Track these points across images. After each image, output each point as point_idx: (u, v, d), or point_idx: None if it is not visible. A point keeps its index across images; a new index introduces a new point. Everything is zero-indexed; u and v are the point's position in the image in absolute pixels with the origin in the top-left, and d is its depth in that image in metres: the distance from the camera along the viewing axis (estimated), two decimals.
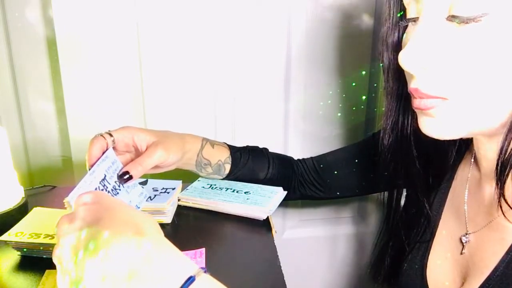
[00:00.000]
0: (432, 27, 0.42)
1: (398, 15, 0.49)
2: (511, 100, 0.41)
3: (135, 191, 0.61)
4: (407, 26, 0.47)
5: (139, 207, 0.60)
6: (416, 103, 0.45)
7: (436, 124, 0.45)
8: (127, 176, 0.57)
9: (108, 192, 0.55)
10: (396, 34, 0.50)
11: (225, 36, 0.90)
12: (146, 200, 0.64)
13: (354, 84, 0.99)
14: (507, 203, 0.45)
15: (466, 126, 0.44)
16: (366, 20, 0.95)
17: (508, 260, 0.47)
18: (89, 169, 0.54)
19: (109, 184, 0.55)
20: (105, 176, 0.55)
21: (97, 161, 0.55)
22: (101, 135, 0.60)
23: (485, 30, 0.39)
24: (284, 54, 0.94)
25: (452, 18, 0.40)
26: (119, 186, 0.57)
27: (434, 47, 0.42)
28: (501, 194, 0.45)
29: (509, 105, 0.41)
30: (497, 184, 0.46)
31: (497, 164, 0.45)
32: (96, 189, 0.52)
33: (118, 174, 0.58)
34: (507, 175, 0.44)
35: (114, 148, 0.61)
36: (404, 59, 0.43)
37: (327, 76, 0.98)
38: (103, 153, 0.58)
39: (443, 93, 0.43)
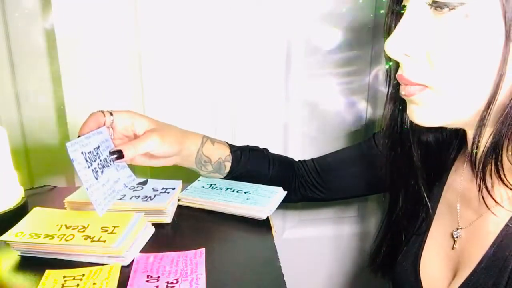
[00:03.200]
0: (416, 15, 0.43)
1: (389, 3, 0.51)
2: (486, 90, 0.42)
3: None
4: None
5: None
6: (401, 89, 0.47)
7: (421, 111, 0.47)
8: (119, 154, 0.59)
9: (100, 161, 0.56)
10: (394, 23, 0.51)
11: (225, 36, 0.90)
12: (146, 201, 0.64)
13: (354, 84, 0.99)
14: (489, 194, 0.46)
15: (448, 114, 0.45)
16: (366, 20, 0.95)
17: (492, 253, 0.48)
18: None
19: (102, 155, 0.58)
20: (99, 146, 0.58)
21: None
22: (102, 111, 0.61)
23: (461, 19, 0.40)
24: (284, 54, 0.94)
25: (432, 3, 0.41)
26: (110, 162, 0.59)
27: (417, 35, 0.43)
28: (483, 186, 0.46)
29: (484, 95, 0.42)
30: (476, 176, 0.46)
31: (471, 156, 0.46)
32: (89, 152, 0.55)
33: (110, 151, 0.59)
34: (482, 167, 0.45)
35: (112, 128, 0.63)
36: (388, 46, 0.45)
37: (327, 76, 0.98)
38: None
39: (424, 80, 0.44)
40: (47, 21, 0.89)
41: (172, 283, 0.48)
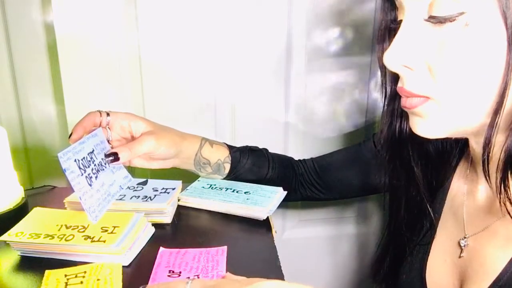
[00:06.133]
0: (412, 28, 0.42)
1: (383, 16, 0.50)
2: (491, 99, 0.41)
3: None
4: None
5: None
6: (403, 102, 0.47)
7: (424, 123, 0.46)
8: (114, 157, 0.59)
9: (95, 165, 0.56)
10: (389, 37, 0.51)
11: (225, 36, 0.90)
12: (146, 201, 0.64)
13: (354, 83, 0.99)
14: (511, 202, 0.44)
15: (452, 125, 0.45)
16: (367, 19, 0.95)
17: None
18: (70, 136, 0.59)
19: (96, 159, 0.58)
20: (93, 150, 0.58)
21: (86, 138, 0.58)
22: (99, 111, 0.61)
23: (461, 29, 0.39)
24: (284, 54, 0.94)
25: (430, 19, 0.41)
26: (105, 164, 0.59)
27: (415, 47, 0.43)
28: (506, 199, 0.44)
29: (489, 103, 0.41)
30: (496, 187, 0.45)
31: (483, 164, 0.45)
32: (83, 158, 0.55)
33: (105, 153, 0.59)
34: (503, 174, 0.44)
35: (110, 129, 0.63)
36: (386, 59, 0.44)
37: (327, 76, 0.98)
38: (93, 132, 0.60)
39: (426, 92, 0.44)
40: (47, 21, 0.89)
41: (193, 278, 0.49)
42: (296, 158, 0.84)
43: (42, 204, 0.64)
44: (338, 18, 0.94)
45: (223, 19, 0.89)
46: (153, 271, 0.51)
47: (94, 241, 0.53)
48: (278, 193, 0.71)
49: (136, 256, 0.55)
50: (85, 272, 0.50)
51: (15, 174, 0.66)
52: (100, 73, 0.89)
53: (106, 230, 0.55)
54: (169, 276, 0.50)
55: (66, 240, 0.53)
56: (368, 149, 0.75)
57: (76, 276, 0.49)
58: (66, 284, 0.48)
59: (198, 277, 0.49)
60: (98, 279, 0.48)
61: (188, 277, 0.47)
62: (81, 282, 0.48)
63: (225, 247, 0.56)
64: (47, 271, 0.51)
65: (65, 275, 0.50)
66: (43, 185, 0.80)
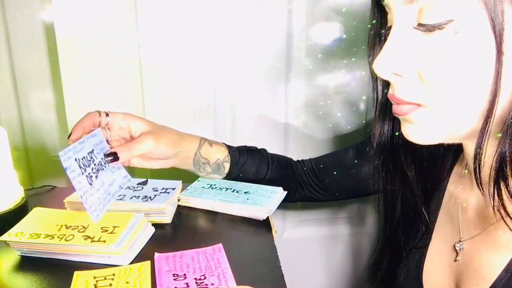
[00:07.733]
0: (402, 35, 0.42)
1: (373, 21, 0.50)
2: (481, 105, 0.41)
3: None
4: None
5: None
6: (394, 109, 0.46)
7: (416, 130, 0.46)
8: (114, 157, 0.59)
9: (95, 165, 0.57)
10: (379, 42, 0.51)
11: (225, 37, 0.91)
12: (146, 201, 0.64)
13: (354, 84, 0.99)
14: (505, 211, 0.44)
15: (444, 131, 0.44)
16: (366, 19, 0.95)
17: (507, 278, 0.46)
18: (69, 136, 0.60)
19: (96, 158, 0.58)
20: (93, 150, 0.58)
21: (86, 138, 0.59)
22: (98, 112, 0.62)
23: (450, 36, 0.39)
24: (284, 54, 0.94)
25: (419, 27, 0.41)
26: (104, 164, 0.59)
27: (405, 55, 0.42)
28: (501, 207, 0.44)
29: (480, 110, 0.41)
30: (482, 188, 0.45)
31: (474, 171, 0.44)
32: (83, 158, 0.56)
33: (105, 153, 0.60)
34: (495, 181, 0.43)
35: (109, 129, 0.64)
36: (376, 66, 0.44)
37: (327, 76, 0.98)
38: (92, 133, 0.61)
39: (417, 99, 0.43)
40: (47, 21, 0.89)
41: (200, 279, 0.49)
42: (296, 159, 0.84)
43: (42, 204, 0.64)
44: (338, 18, 0.94)
45: (223, 19, 0.89)
46: (157, 277, 0.50)
47: (94, 241, 0.53)
48: (278, 193, 0.71)
49: (136, 256, 0.55)
50: (114, 274, 0.50)
51: (15, 174, 0.66)
52: (100, 73, 0.89)
53: (106, 230, 0.55)
54: (174, 280, 0.49)
55: (66, 240, 0.53)
56: (365, 150, 0.75)
57: (105, 279, 0.49)
58: (95, 286, 0.48)
59: (205, 277, 0.49)
60: (127, 282, 0.48)
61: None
62: (110, 285, 0.48)
63: (220, 244, 0.56)
64: (76, 272, 0.50)
65: (94, 277, 0.50)
66: (43, 185, 0.80)
